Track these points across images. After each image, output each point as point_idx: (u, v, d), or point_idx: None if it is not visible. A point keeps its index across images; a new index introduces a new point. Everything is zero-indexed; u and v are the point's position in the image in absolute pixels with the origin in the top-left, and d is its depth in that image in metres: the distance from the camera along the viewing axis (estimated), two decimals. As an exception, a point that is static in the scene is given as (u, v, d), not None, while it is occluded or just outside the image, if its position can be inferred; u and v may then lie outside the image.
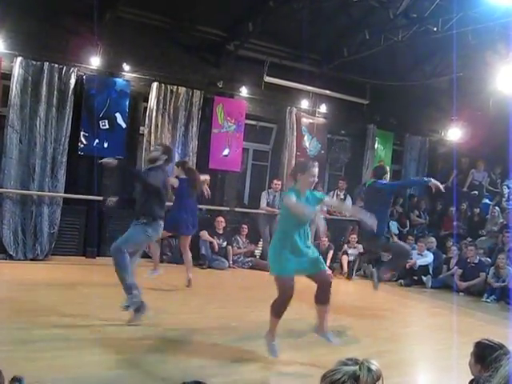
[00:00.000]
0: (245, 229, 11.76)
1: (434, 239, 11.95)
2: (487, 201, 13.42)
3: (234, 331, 6.29)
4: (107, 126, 10.47)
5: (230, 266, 11.18)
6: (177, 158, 11.16)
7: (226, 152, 11.87)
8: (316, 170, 5.28)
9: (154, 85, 10.92)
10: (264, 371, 5.03)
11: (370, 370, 1.93)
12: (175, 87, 11.12)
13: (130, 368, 4.77)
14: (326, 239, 11.69)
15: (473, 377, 3.31)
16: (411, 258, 11.09)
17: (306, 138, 12.98)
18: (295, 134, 12.71)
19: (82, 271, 9.44)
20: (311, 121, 13.01)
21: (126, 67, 10.67)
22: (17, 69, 9.52)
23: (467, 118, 13.07)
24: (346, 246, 11.90)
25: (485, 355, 3.22)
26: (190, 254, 8.68)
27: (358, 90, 13.13)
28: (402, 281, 11.10)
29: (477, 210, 12.96)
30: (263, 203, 11.82)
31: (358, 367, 1.94)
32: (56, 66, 9.87)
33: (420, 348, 6.73)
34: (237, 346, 5.68)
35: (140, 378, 4.60)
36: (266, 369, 5.08)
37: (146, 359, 5.02)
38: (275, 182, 11.98)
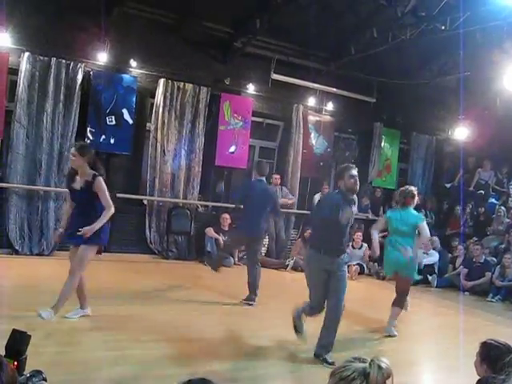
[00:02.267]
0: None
1: (437, 239, 11.94)
2: (493, 200, 13.37)
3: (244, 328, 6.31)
4: (114, 122, 10.47)
5: (235, 263, 11.18)
6: (183, 154, 11.19)
7: (232, 149, 11.86)
8: None
9: (161, 81, 10.92)
10: (275, 367, 5.06)
11: (380, 367, 1.92)
12: (182, 84, 11.11)
13: (135, 364, 4.78)
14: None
15: (479, 377, 3.30)
16: None
17: (312, 135, 12.97)
18: (302, 131, 12.69)
19: (88, 267, 9.43)
20: (318, 118, 12.99)
21: (133, 63, 10.67)
22: (24, 64, 9.53)
23: (474, 117, 13.01)
24: (349, 245, 11.86)
25: (490, 355, 3.23)
26: None
27: (365, 88, 13.10)
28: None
29: (482, 210, 12.92)
30: None
31: (368, 364, 1.93)
32: (63, 61, 9.88)
33: (425, 347, 6.74)
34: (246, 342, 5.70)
35: (144, 373, 4.61)
36: (277, 365, 5.11)
37: (150, 355, 5.03)
38: (275, 176, 12.11)
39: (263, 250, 11.92)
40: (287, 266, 11.42)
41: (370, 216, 13.26)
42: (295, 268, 11.42)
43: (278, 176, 12.17)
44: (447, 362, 5.75)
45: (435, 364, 6.03)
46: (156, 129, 10.96)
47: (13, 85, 9.61)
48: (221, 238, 11.07)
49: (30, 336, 2.36)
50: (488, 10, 9.04)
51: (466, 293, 10.50)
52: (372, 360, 1.94)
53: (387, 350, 6.02)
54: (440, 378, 5.57)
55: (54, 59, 9.79)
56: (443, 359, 5.96)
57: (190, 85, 11.19)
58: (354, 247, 11.80)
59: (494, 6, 8.81)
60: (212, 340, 5.74)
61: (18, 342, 2.33)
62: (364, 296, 9.98)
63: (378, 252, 7.22)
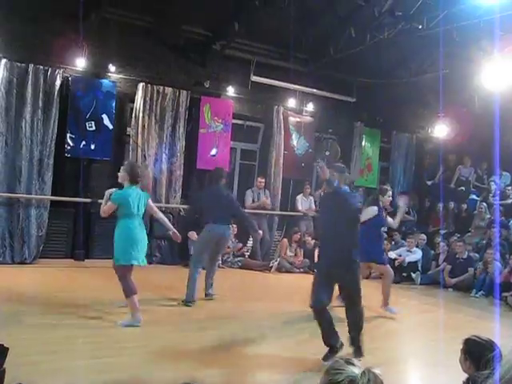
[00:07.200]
0: (234, 228, 11.72)
1: (424, 236, 12.02)
2: (474, 197, 13.48)
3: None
4: (94, 128, 10.41)
5: (219, 266, 11.12)
6: (164, 158, 11.15)
7: (213, 152, 11.85)
8: None
9: (140, 85, 10.87)
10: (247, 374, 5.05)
11: (370, 380, 1.90)
12: (161, 87, 11.08)
13: (120, 371, 4.75)
14: (310, 237, 11.71)
15: (464, 373, 3.32)
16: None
17: (293, 136, 12.99)
18: (283, 133, 12.71)
19: (71, 274, 9.38)
20: (298, 120, 13.02)
21: (111, 68, 10.61)
22: (1, 71, 9.44)
23: (453, 115, 13.11)
24: None
25: (473, 352, 3.26)
26: None
27: (345, 88, 13.15)
28: (392, 278, 11.13)
29: (464, 206, 13.02)
30: (248, 201, 11.86)
31: (359, 375, 1.91)
32: (41, 67, 9.80)
33: (410, 344, 6.76)
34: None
35: (130, 380, 4.59)
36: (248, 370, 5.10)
37: (135, 362, 5.00)
38: (259, 179, 12.21)
39: (247, 251, 11.93)
40: (271, 267, 11.41)
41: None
42: (279, 269, 11.43)
43: (262, 180, 12.21)
44: (432, 359, 5.77)
45: (420, 361, 6.06)
46: (136, 133, 10.91)
47: (-10, 92, 9.52)
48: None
49: (7, 348, 2.28)
50: (464, 9, 9.14)
51: (450, 289, 10.58)
52: (364, 371, 1.92)
53: (372, 347, 6.03)
54: (424, 375, 5.60)
55: (31, 65, 9.70)
56: (428, 356, 5.99)
57: (170, 88, 11.15)
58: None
59: (470, 4, 8.92)
60: (197, 345, 5.72)
61: None
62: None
63: None
